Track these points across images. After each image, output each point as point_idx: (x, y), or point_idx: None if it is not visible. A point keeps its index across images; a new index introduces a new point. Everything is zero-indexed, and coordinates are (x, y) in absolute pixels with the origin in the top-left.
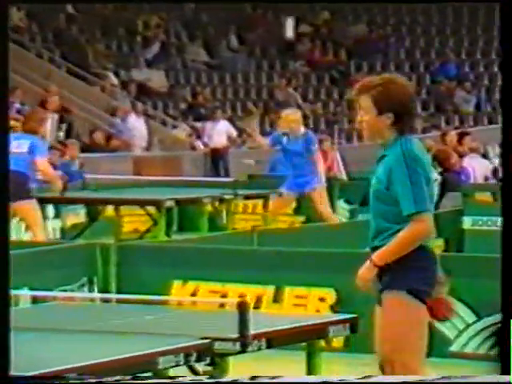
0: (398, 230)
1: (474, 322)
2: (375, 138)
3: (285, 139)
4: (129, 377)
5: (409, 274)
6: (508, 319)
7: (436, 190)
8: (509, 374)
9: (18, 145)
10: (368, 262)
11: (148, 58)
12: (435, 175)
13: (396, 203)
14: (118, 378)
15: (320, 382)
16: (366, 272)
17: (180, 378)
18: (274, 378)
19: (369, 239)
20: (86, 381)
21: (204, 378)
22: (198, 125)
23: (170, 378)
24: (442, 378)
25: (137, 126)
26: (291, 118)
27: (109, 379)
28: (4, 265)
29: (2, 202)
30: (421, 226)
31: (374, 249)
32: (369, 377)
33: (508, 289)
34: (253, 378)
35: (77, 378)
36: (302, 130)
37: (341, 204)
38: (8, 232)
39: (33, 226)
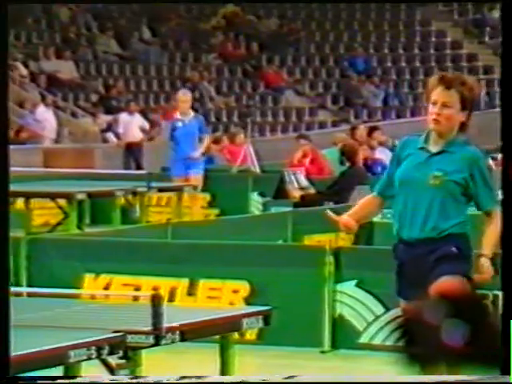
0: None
1: (382, 314)
2: (449, 132)
3: (180, 123)
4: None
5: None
6: (508, 319)
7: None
8: (509, 374)
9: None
10: (483, 259)
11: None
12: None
13: (462, 197)
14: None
15: (238, 382)
16: (489, 270)
17: (101, 378)
18: (200, 377)
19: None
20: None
21: (126, 378)
22: (110, 117)
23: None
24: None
25: (46, 117)
26: (182, 99)
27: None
28: (4, 262)
29: (2, 200)
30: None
31: (424, 239)
32: (292, 377)
33: (508, 289)
34: (182, 377)
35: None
36: (191, 112)
37: (254, 197)
38: (8, 230)
39: None
